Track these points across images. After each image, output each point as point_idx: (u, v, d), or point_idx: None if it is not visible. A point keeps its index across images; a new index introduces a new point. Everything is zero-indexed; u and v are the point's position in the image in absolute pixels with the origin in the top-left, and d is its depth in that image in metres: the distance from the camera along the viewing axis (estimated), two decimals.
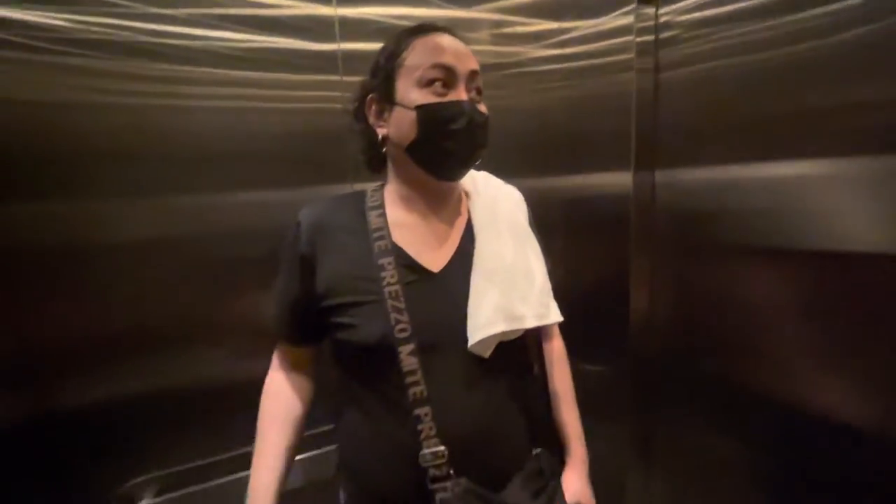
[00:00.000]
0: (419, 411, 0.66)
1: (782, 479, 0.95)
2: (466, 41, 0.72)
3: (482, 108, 0.72)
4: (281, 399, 0.80)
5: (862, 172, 0.79)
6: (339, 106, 1.05)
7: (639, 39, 1.13)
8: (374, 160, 0.77)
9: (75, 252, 0.90)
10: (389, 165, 0.76)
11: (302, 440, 0.82)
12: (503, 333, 0.67)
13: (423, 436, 0.66)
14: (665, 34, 1.11)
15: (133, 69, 0.90)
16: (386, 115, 0.72)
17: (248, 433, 0.80)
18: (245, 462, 0.82)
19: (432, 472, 0.66)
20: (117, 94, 0.89)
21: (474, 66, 0.70)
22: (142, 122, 0.92)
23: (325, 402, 0.82)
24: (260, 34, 0.98)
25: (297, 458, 0.83)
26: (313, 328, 0.76)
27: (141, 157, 0.92)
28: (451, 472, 0.66)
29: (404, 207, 0.75)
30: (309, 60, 1.03)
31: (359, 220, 0.73)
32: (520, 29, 1.19)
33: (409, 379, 0.66)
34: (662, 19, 1.11)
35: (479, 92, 0.72)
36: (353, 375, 0.73)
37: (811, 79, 0.84)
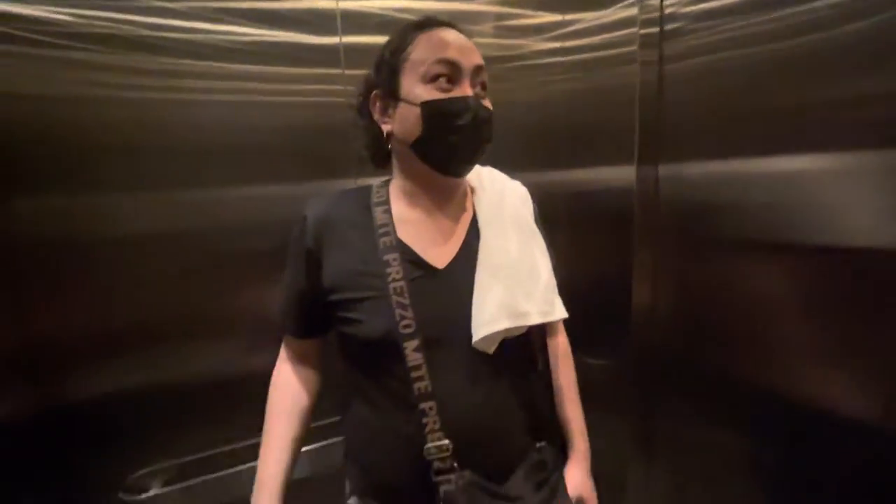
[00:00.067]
0: (424, 405, 0.66)
1: (784, 474, 0.95)
2: (469, 34, 0.72)
3: (487, 103, 0.71)
4: (288, 391, 0.81)
5: (869, 166, 0.78)
6: (341, 100, 1.04)
7: (643, 31, 1.12)
8: (379, 156, 0.78)
9: (79, 246, 0.90)
10: (394, 161, 0.76)
11: (309, 431, 0.83)
12: (507, 330, 0.67)
13: (427, 429, 0.66)
14: (669, 26, 1.09)
15: (135, 63, 0.90)
16: (390, 111, 0.72)
17: (253, 425, 0.82)
18: (251, 453, 0.83)
19: (437, 464, 0.67)
20: (119, 88, 0.90)
21: (479, 60, 0.70)
22: (144, 116, 0.92)
23: (332, 394, 0.83)
24: (261, 28, 0.98)
25: (305, 449, 0.84)
26: (320, 321, 0.77)
27: (143, 150, 0.92)
28: (455, 464, 0.67)
29: (409, 203, 0.75)
30: (311, 54, 1.03)
31: (364, 215, 0.73)
32: (523, 21, 1.19)
33: (414, 374, 0.66)
34: (667, 11, 1.09)
35: (483, 87, 0.71)
36: (358, 369, 0.74)
37: (817, 71, 0.83)
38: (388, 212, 0.73)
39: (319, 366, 0.84)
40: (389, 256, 0.69)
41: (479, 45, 0.72)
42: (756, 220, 0.95)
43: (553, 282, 0.76)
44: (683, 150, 1.09)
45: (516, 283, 0.70)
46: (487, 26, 1.16)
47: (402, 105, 0.69)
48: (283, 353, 0.84)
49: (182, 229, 0.97)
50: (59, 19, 0.84)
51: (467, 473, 0.68)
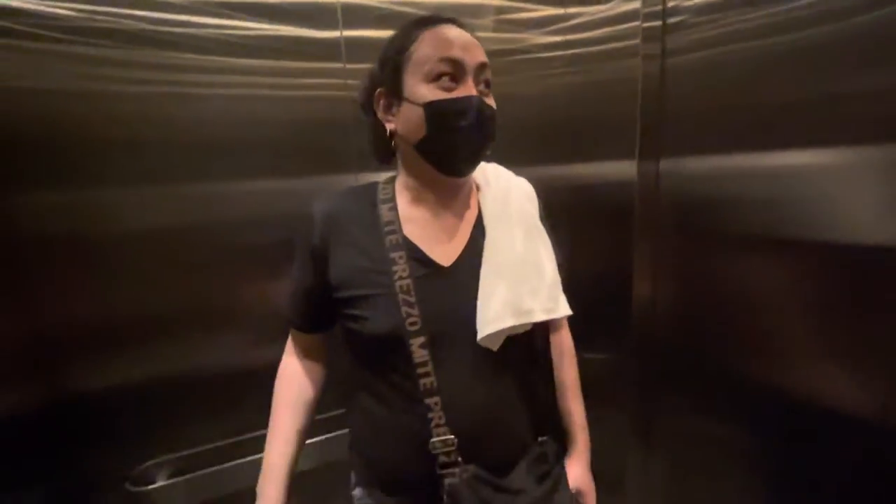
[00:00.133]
0: (429, 401, 0.67)
1: (782, 468, 0.96)
2: (471, 28, 0.71)
3: (490, 101, 0.71)
4: (294, 383, 0.82)
5: (872, 161, 0.77)
6: (342, 93, 1.04)
7: (645, 25, 1.11)
8: (383, 152, 0.77)
9: (82, 240, 0.91)
10: (399, 159, 0.76)
11: (314, 423, 0.84)
12: (512, 327, 0.68)
13: (432, 424, 0.68)
14: (672, 19, 1.09)
15: (137, 57, 0.89)
16: (394, 109, 0.71)
17: (257, 417, 0.83)
18: (256, 445, 0.84)
19: (441, 458, 0.68)
20: (121, 83, 0.90)
21: (483, 58, 0.69)
22: (145, 110, 0.92)
23: (337, 387, 0.84)
24: (262, 21, 0.97)
25: (310, 440, 0.86)
26: (325, 317, 0.78)
27: (144, 144, 0.92)
28: (460, 458, 0.69)
29: (415, 200, 0.75)
30: (311, 48, 1.02)
31: (371, 212, 0.74)
32: (524, 15, 1.18)
33: (420, 370, 0.67)
34: (670, 4, 1.08)
35: (487, 84, 0.71)
36: (364, 364, 0.75)
37: (821, 65, 0.83)
38: (395, 209, 0.73)
39: (325, 359, 0.85)
40: (395, 254, 0.69)
41: (479, 39, 0.71)
42: (757, 215, 0.95)
43: (558, 279, 0.76)
44: (685, 144, 1.09)
45: (521, 281, 0.70)
46: (488, 20, 1.15)
47: (405, 104, 0.69)
48: (289, 347, 0.85)
49: (181, 222, 0.98)
50: (61, 14, 0.84)
51: (471, 467, 0.69)
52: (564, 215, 1.22)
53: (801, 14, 0.85)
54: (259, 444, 0.81)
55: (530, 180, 0.84)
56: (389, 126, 0.72)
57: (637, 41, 1.13)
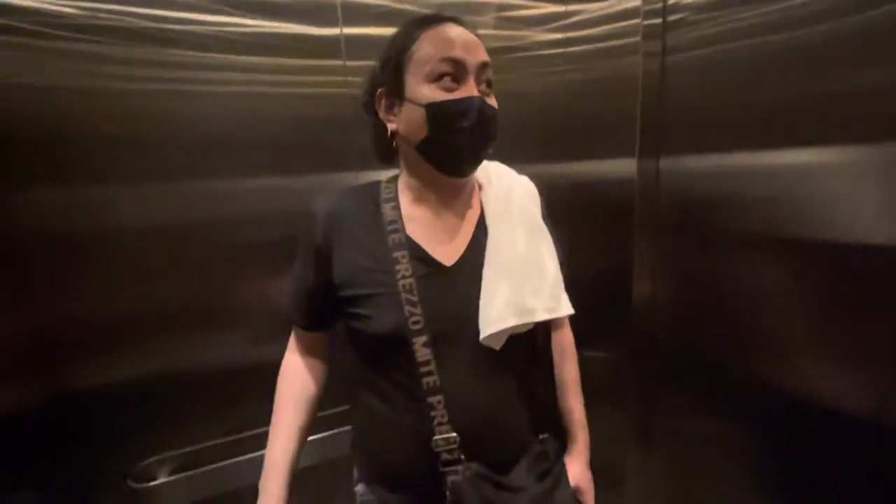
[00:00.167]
0: (432, 399, 0.68)
1: (781, 465, 0.96)
2: (472, 26, 0.71)
3: (492, 101, 0.71)
4: (296, 380, 0.82)
5: (872, 160, 0.77)
6: (342, 91, 1.04)
7: (646, 22, 1.11)
8: (385, 152, 0.77)
9: (83, 237, 0.91)
10: (401, 158, 0.76)
11: (316, 419, 0.84)
12: (514, 327, 0.68)
13: (435, 422, 0.68)
14: (673, 17, 1.08)
15: (139, 55, 0.89)
16: (396, 109, 0.71)
17: (259, 414, 0.83)
18: (258, 442, 0.85)
19: (444, 456, 0.69)
20: (123, 80, 0.89)
21: (484, 57, 0.69)
22: (145, 108, 0.92)
23: (339, 384, 0.84)
24: (262, 19, 0.97)
25: (313, 437, 0.86)
26: (328, 315, 0.78)
27: (145, 142, 0.92)
28: (462, 456, 0.69)
29: (418, 200, 0.75)
30: (311, 45, 1.02)
31: (373, 212, 0.74)
32: (525, 12, 1.18)
33: (423, 369, 0.68)
34: (670, 1, 1.08)
35: (489, 84, 0.71)
36: (367, 362, 0.75)
37: (821, 63, 0.83)
38: (397, 208, 0.73)
39: (327, 356, 0.86)
40: (398, 254, 0.69)
41: (480, 37, 0.70)
42: (758, 214, 0.95)
43: (560, 278, 0.76)
44: (685, 142, 1.09)
45: (523, 281, 0.71)
46: (489, 17, 1.15)
47: (407, 105, 0.69)
48: (291, 344, 0.85)
49: (182, 219, 0.98)
50: (63, 11, 0.83)
51: (474, 465, 0.70)
52: (564, 213, 1.23)
53: (801, 12, 0.85)
54: (260, 441, 0.81)
55: (530, 178, 0.84)
56: (391, 126, 0.72)
57: (637, 38, 1.13)
